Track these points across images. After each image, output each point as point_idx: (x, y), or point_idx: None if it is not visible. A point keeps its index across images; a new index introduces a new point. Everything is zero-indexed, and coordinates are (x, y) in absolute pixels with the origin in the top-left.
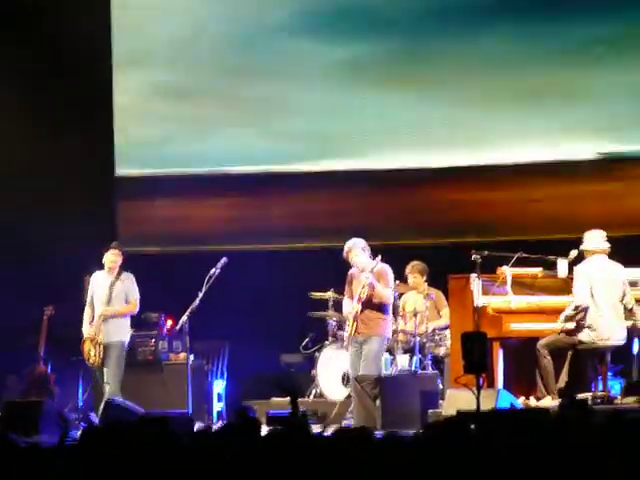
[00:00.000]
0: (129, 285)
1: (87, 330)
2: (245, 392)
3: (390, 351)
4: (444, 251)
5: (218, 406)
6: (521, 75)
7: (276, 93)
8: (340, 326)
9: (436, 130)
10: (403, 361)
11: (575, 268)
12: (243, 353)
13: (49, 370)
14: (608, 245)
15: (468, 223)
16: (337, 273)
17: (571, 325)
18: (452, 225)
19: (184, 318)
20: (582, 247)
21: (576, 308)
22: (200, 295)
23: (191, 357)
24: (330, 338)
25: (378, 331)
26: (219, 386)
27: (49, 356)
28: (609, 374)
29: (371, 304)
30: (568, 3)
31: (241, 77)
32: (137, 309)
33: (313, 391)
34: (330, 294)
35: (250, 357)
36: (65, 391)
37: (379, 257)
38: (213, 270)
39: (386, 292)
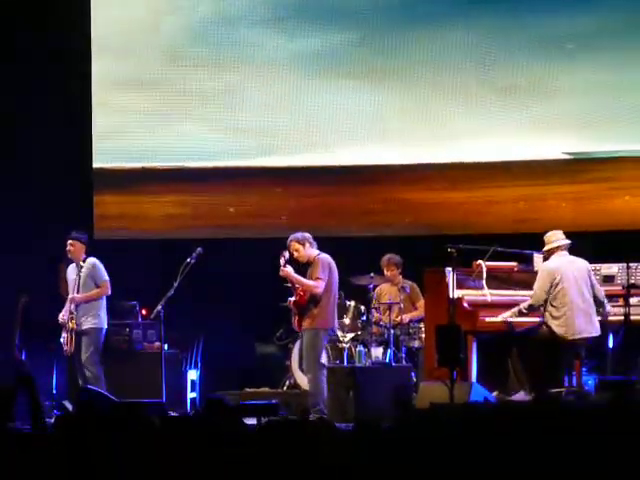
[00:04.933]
0: (94, 269)
1: (60, 317)
2: (219, 381)
3: (364, 343)
4: (421, 241)
5: (191, 395)
6: (489, 70)
7: (234, 85)
8: None
9: (401, 125)
10: (377, 353)
11: (541, 265)
12: (217, 343)
13: (23, 357)
14: (568, 241)
15: (434, 221)
16: None
17: (513, 319)
18: (418, 222)
19: (159, 307)
20: (547, 247)
21: (530, 307)
22: (175, 285)
23: (165, 346)
24: None
25: (311, 324)
26: (193, 375)
27: (23, 344)
28: (583, 370)
29: (308, 297)
30: None
31: (200, 68)
32: (109, 290)
33: (287, 382)
34: None
35: (224, 347)
36: (39, 379)
37: (318, 253)
38: (188, 260)
39: (310, 283)
